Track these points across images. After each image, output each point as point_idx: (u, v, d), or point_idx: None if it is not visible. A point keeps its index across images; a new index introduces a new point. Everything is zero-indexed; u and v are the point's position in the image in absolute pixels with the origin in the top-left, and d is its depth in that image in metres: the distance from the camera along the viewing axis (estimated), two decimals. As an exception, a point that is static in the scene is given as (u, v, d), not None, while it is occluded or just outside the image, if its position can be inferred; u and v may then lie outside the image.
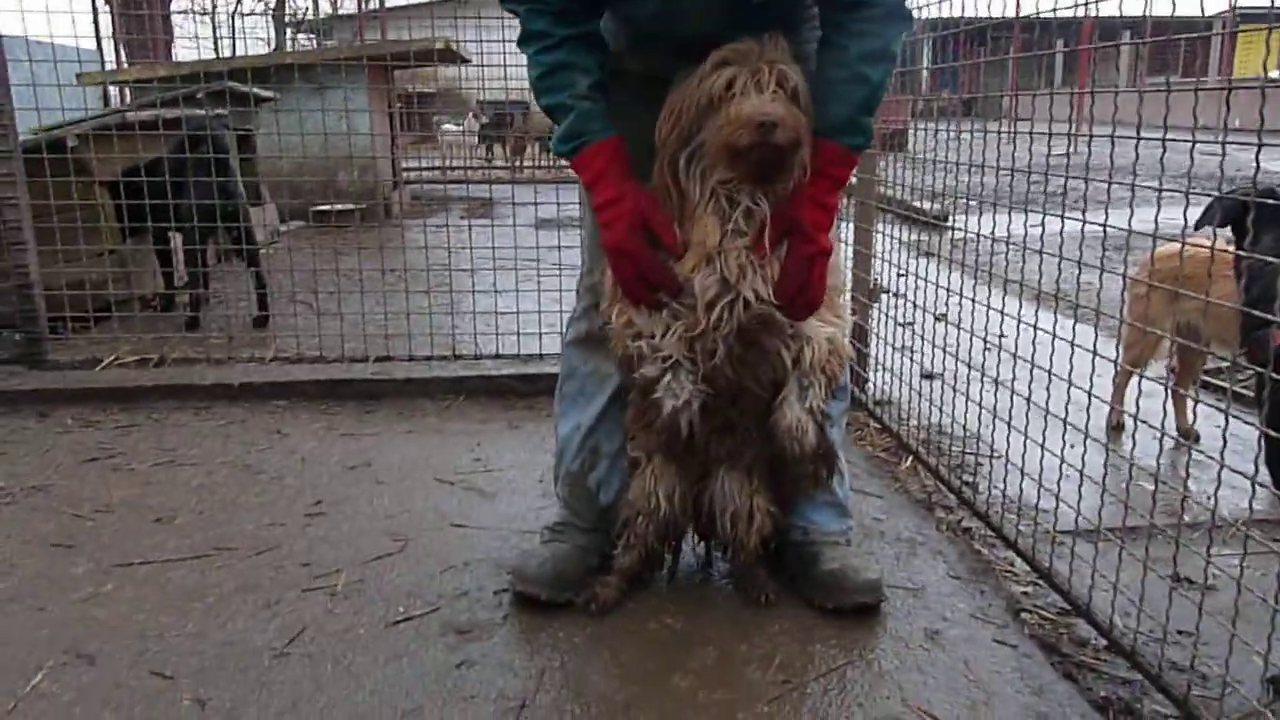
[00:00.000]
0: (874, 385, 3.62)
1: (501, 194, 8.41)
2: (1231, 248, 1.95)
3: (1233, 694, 1.74)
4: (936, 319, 3.09)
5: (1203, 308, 1.86)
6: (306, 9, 23.95)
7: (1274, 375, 1.58)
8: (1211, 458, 1.70)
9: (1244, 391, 3.42)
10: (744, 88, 1.80)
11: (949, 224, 5.71)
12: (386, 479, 2.96)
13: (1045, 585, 2.30)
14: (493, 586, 2.28)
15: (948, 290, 2.92)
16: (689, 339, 1.91)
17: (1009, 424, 2.47)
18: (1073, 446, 2.30)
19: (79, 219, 4.17)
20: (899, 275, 3.50)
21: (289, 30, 22.92)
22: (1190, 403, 3.32)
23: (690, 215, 1.90)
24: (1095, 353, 2.16)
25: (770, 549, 2.21)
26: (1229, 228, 1.88)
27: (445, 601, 2.22)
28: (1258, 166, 1.69)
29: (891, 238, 3.54)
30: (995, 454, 2.86)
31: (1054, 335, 2.26)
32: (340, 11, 21.66)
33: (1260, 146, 1.63)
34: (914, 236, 4.01)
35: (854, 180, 3.50)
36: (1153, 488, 1.97)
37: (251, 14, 23.38)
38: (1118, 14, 2.20)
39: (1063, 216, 2.28)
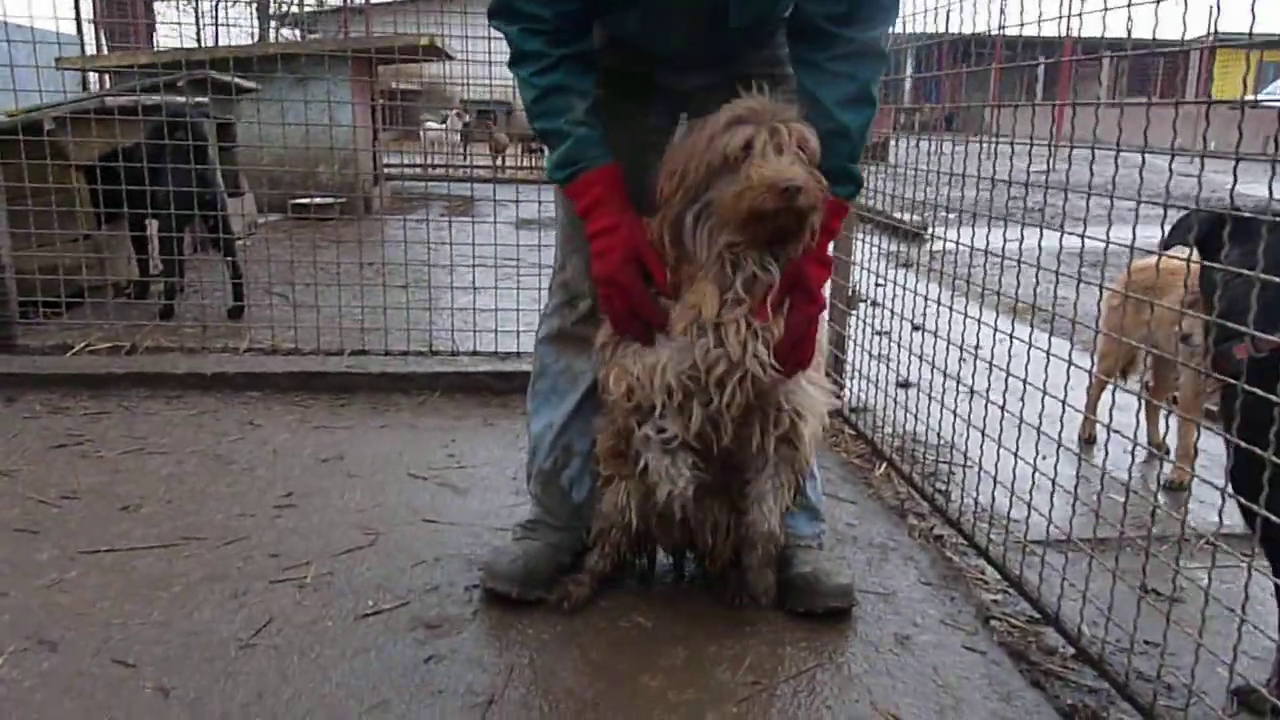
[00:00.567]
0: (850, 392, 3.64)
1: (483, 192, 8.39)
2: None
3: (1198, 704, 1.75)
4: (914, 329, 3.10)
5: (1168, 320, 1.88)
6: (291, 2, 23.83)
7: (1245, 387, 1.59)
8: (1181, 467, 1.71)
9: (1212, 407, 3.47)
10: (764, 150, 1.75)
11: (928, 235, 5.76)
12: (359, 473, 2.94)
13: (1015, 593, 2.31)
14: (464, 582, 2.26)
15: (925, 299, 2.93)
16: (698, 419, 1.89)
17: (983, 433, 2.49)
18: (1045, 457, 2.31)
19: (54, 203, 4.12)
20: (877, 284, 3.52)
21: (273, 23, 22.77)
22: (1163, 415, 3.35)
23: (689, 275, 1.85)
24: (1070, 363, 2.17)
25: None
26: (1197, 248, 1.90)
27: (415, 596, 2.20)
28: (1235, 180, 1.71)
29: (871, 246, 3.56)
30: (968, 463, 2.88)
31: (1029, 345, 2.28)
32: (325, 6, 21.51)
33: (1238, 161, 1.65)
34: (893, 247, 4.03)
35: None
36: (1123, 499, 1.99)
37: (236, 3, 23.25)
38: (1100, 34, 2.23)
39: (1041, 231, 2.30)
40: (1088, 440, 3.44)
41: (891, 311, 3.24)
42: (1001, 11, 2.63)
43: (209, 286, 4.88)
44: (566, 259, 2.21)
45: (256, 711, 1.77)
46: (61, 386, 3.64)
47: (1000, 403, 2.39)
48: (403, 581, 2.27)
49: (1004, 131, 2.73)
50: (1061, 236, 2.26)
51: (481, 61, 5.06)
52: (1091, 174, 2.09)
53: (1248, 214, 1.70)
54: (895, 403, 3.21)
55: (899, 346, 3.19)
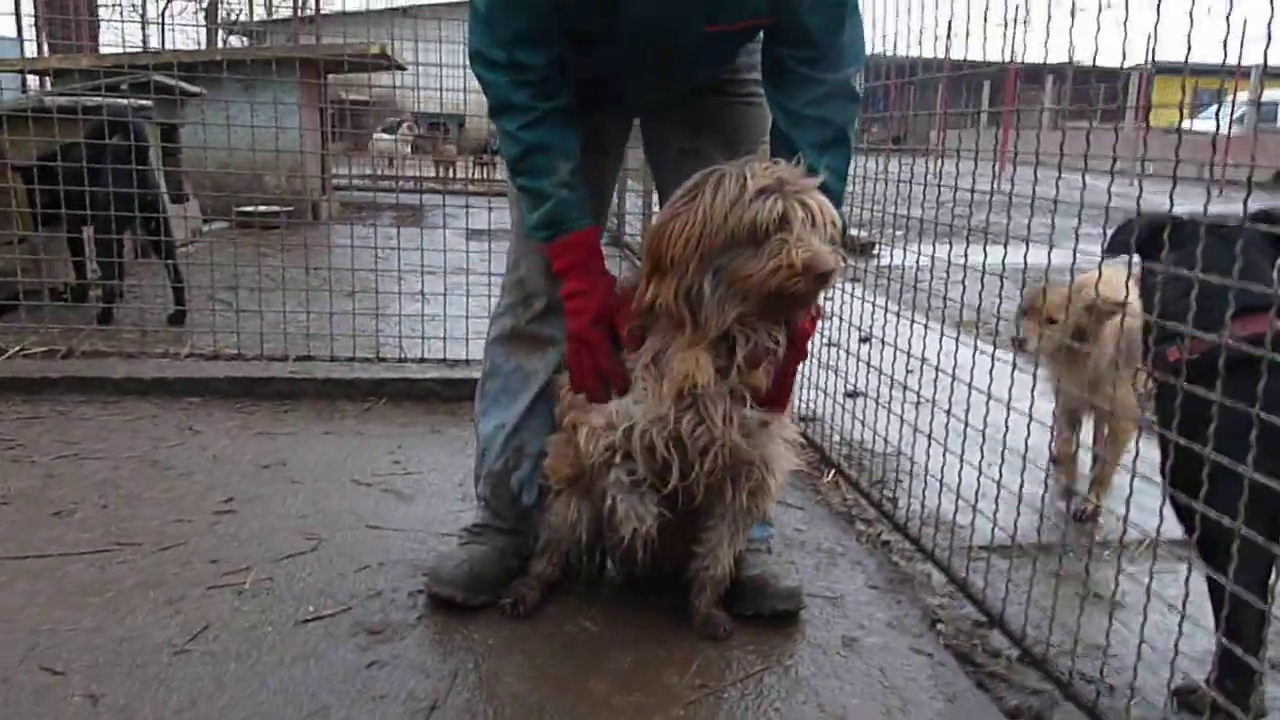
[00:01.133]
0: (799, 401, 3.65)
1: (432, 202, 8.33)
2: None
3: (1140, 704, 1.77)
4: (862, 340, 3.13)
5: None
6: (240, 10, 23.57)
7: (1183, 386, 1.62)
8: (1123, 467, 1.73)
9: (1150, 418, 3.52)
10: (801, 230, 1.71)
11: (875, 252, 5.82)
12: (301, 479, 2.88)
13: (961, 597, 2.33)
14: (407, 588, 2.22)
15: (874, 307, 2.96)
16: (675, 479, 1.89)
17: (929, 438, 2.51)
18: (991, 464, 2.34)
19: (-12, 204, 4.02)
20: (826, 297, 3.54)
21: (221, 31, 22.49)
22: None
23: (691, 341, 1.81)
24: (1015, 367, 2.20)
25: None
26: (1138, 253, 1.93)
27: (357, 602, 2.16)
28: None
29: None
30: (915, 470, 2.90)
31: (974, 351, 2.30)
32: (275, 16, 21.30)
33: (1175, 182, 1.69)
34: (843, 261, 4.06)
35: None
36: (1066, 504, 2.01)
37: (184, 11, 22.93)
38: (1042, 61, 2.27)
39: (985, 248, 2.34)
40: (1055, 460, 3.42)
41: (841, 319, 3.27)
42: (948, 36, 2.68)
43: (149, 291, 4.78)
44: (521, 259, 2.19)
45: (189, 719, 1.72)
46: (-7, 391, 3.53)
47: (946, 409, 2.41)
48: (345, 587, 2.22)
49: (950, 151, 2.77)
50: (1004, 258, 2.29)
51: (434, 73, 5.03)
52: (1034, 196, 2.14)
53: (1185, 218, 1.73)
54: (844, 410, 3.23)
55: (848, 353, 3.21)
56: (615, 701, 1.82)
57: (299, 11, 15.80)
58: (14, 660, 1.87)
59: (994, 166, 2.74)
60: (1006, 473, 2.20)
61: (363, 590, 2.21)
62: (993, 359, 2.22)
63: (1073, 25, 2.01)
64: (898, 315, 2.75)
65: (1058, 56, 2.21)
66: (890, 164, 3.22)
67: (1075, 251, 1.97)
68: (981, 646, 2.15)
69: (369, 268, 4.30)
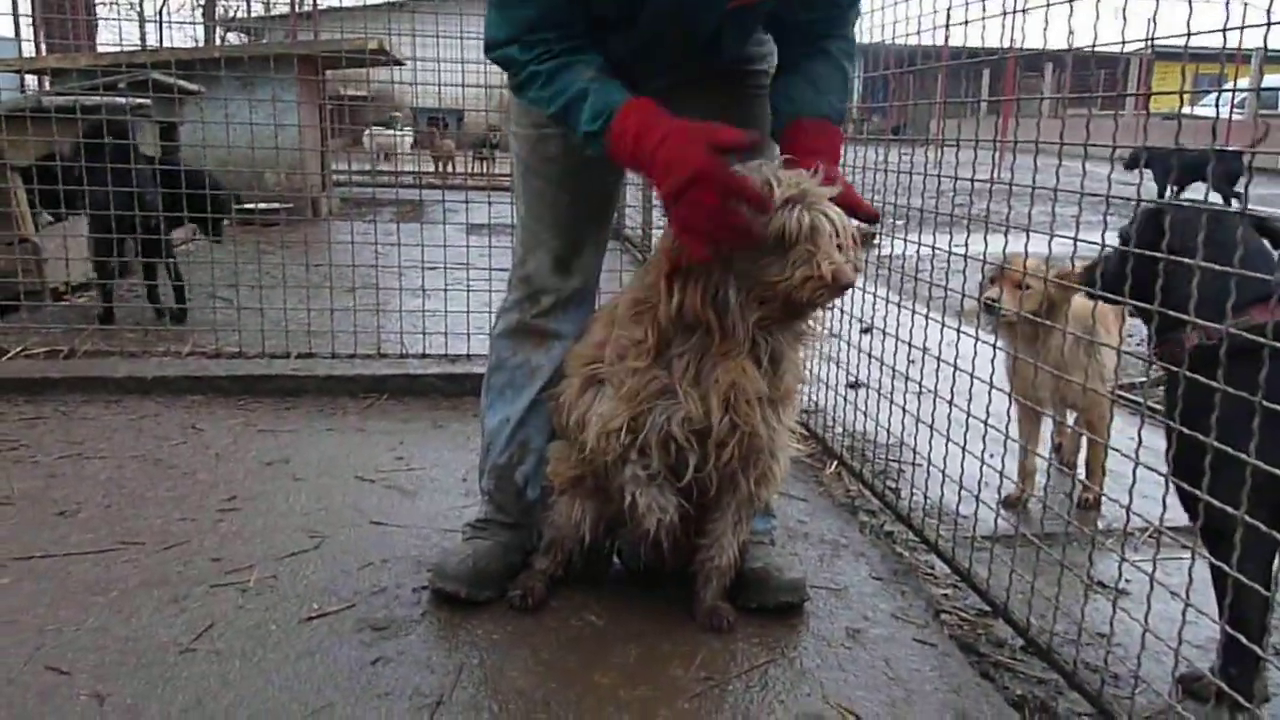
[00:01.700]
0: (802, 393, 3.64)
1: (432, 198, 8.33)
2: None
3: (1144, 691, 1.77)
4: (863, 331, 3.13)
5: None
6: (238, 8, 23.54)
7: (1187, 374, 1.62)
8: (1127, 456, 1.73)
9: (1156, 407, 3.52)
10: (830, 242, 1.72)
11: (876, 242, 5.81)
12: (304, 476, 2.88)
13: (965, 587, 2.33)
14: (411, 584, 2.22)
15: (875, 298, 2.95)
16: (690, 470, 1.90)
17: (931, 429, 2.50)
18: (993, 454, 2.34)
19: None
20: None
21: (219, 29, 22.46)
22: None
23: (726, 349, 1.82)
24: (1015, 357, 2.19)
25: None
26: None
27: (361, 598, 2.16)
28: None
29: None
30: (918, 460, 2.90)
31: (976, 340, 2.30)
32: (273, 12, 21.25)
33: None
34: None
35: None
36: (1070, 492, 2.01)
37: (181, 9, 22.90)
38: (1041, 49, 2.27)
39: (985, 237, 2.33)
40: (1057, 449, 3.44)
41: (842, 312, 3.26)
42: (947, 26, 2.67)
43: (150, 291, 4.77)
44: (529, 254, 2.18)
45: (195, 717, 1.72)
46: (-5, 392, 3.53)
47: (948, 400, 2.41)
48: (349, 584, 2.22)
49: (950, 139, 2.77)
50: (1005, 247, 2.29)
51: (432, 68, 5.02)
52: (1034, 182, 2.13)
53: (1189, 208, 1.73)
54: (846, 402, 3.22)
55: (849, 345, 3.21)
56: (621, 695, 1.82)
57: (296, 7, 15.79)
58: (20, 660, 1.87)
59: (994, 155, 2.73)
60: (1009, 462, 2.20)
61: (367, 587, 2.21)
62: (994, 348, 2.21)
63: (1071, 12, 2.01)
64: (899, 306, 2.75)
65: (1057, 43, 2.20)
66: (890, 154, 3.21)
67: (1075, 240, 1.96)
68: (986, 636, 2.15)
69: (369, 264, 4.30)
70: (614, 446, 1.90)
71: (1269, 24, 1.48)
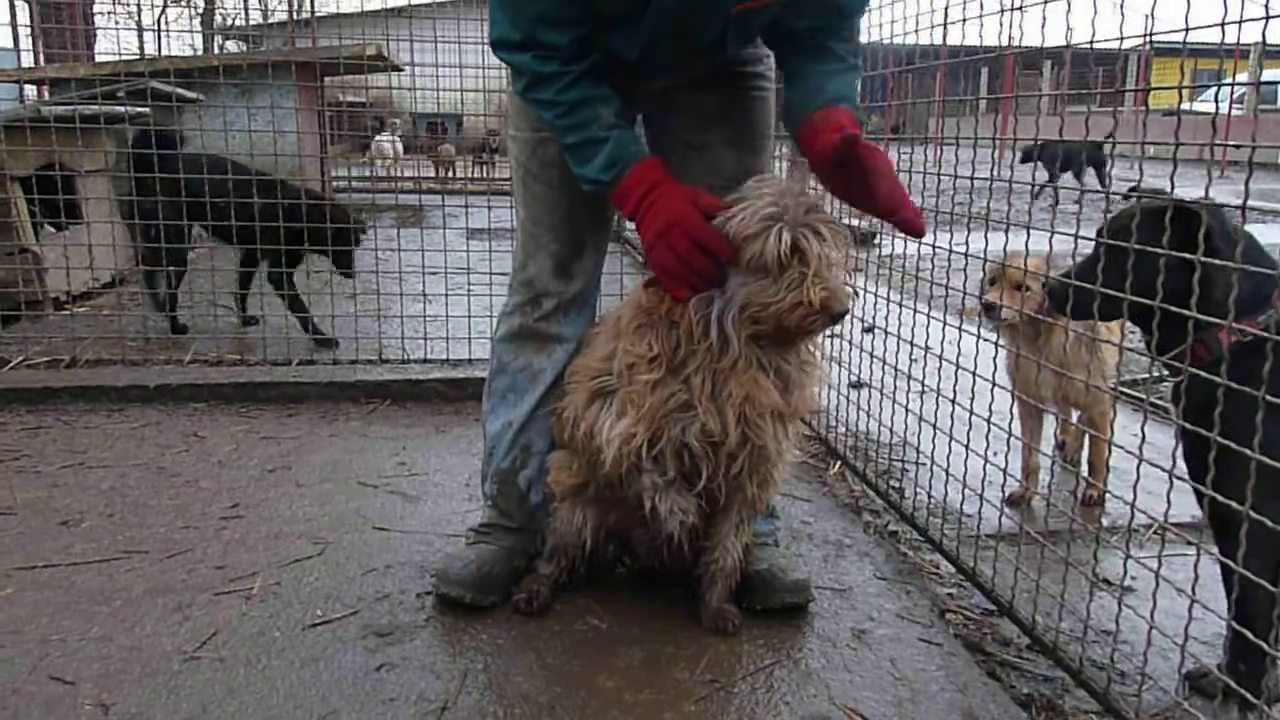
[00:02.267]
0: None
1: (432, 203, 8.33)
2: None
3: (1151, 689, 1.77)
4: (865, 330, 3.12)
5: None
6: (236, 15, 23.52)
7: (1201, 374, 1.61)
8: (1131, 453, 1.73)
9: (1159, 403, 3.52)
10: (820, 266, 1.71)
11: (876, 241, 5.81)
12: (307, 482, 2.88)
13: (970, 586, 2.32)
14: (415, 589, 2.22)
15: (875, 297, 2.95)
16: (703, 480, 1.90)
17: (935, 428, 2.50)
18: (997, 453, 2.33)
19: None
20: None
21: (217, 37, 22.47)
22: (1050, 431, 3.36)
23: (729, 368, 1.81)
24: (1019, 355, 2.19)
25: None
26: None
27: (365, 604, 2.15)
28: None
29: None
30: (921, 460, 2.89)
31: (978, 338, 2.29)
32: (271, 19, 21.27)
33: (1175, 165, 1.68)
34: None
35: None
36: (1075, 489, 2.00)
37: (179, 18, 22.91)
38: (1039, 46, 2.26)
39: (986, 235, 2.33)
40: (1060, 446, 3.44)
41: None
42: (944, 24, 2.67)
43: (150, 298, 4.77)
44: (529, 258, 2.18)
45: (201, 725, 1.72)
46: (-3, 402, 3.53)
47: (951, 399, 2.41)
48: (352, 590, 2.22)
49: (948, 137, 2.76)
50: (1006, 245, 2.29)
51: (430, 73, 5.02)
52: (1034, 180, 2.12)
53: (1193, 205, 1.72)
54: (849, 402, 3.22)
55: (850, 344, 3.21)
56: (626, 698, 1.82)
57: (295, 14, 15.81)
58: (24, 670, 1.87)
59: (993, 153, 2.72)
60: (1012, 460, 2.20)
61: (370, 593, 2.21)
62: (996, 346, 2.21)
63: (1069, 9, 2.00)
64: (900, 305, 2.75)
65: (1055, 41, 2.20)
66: (890, 153, 3.20)
67: (1076, 237, 1.95)
68: (991, 635, 2.15)
69: (370, 269, 4.30)
70: (628, 455, 1.90)
71: (1267, 18, 1.48)
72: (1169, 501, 1.66)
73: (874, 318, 2.98)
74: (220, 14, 23.49)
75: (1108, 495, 2.73)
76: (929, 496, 2.71)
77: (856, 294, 1.80)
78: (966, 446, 2.33)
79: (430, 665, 1.92)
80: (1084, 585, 2.07)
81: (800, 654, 1.99)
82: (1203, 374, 1.63)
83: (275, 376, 3.77)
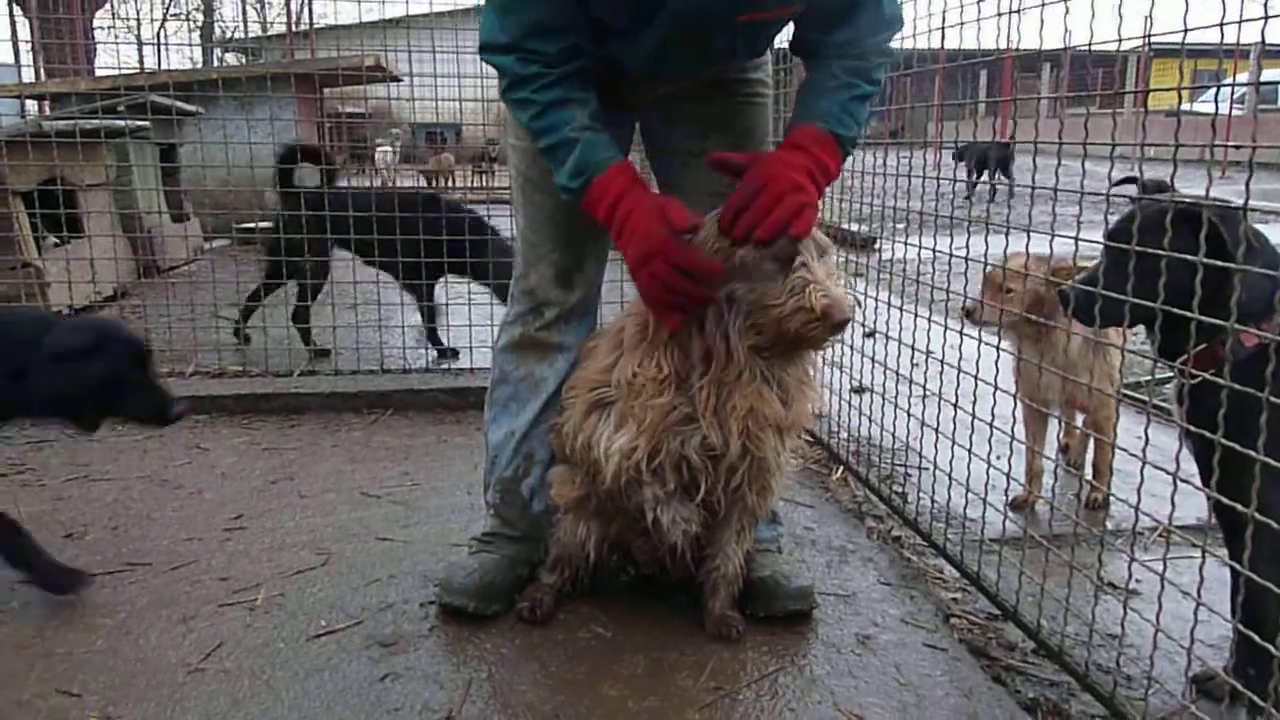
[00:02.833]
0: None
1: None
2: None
3: (1157, 693, 1.76)
4: (866, 335, 3.12)
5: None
6: (235, 28, 23.62)
7: (1214, 380, 1.60)
8: (1135, 455, 1.72)
9: (1162, 406, 3.51)
10: (821, 270, 1.71)
11: (876, 246, 5.81)
12: (309, 493, 2.88)
13: (974, 591, 2.32)
14: (419, 599, 2.22)
15: (876, 302, 2.95)
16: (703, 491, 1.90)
17: (937, 432, 2.50)
18: (1000, 457, 2.32)
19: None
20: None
21: (217, 50, 22.54)
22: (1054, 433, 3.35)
23: (734, 380, 1.81)
24: (1021, 358, 2.19)
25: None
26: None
27: (369, 615, 2.15)
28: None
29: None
30: (924, 464, 2.89)
31: (979, 342, 2.29)
32: (270, 31, 21.33)
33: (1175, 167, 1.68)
34: (843, 257, 4.05)
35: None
36: (1079, 492, 2.00)
37: (178, 31, 22.98)
38: (1038, 48, 2.26)
39: (986, 239, 2.33)
40: (1063, 450, 3.44)
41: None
42: (942, 28, 2.67)
43: (153, 312, 4.78)
44: (530, 268, 2.18)
45: (206, 737, 1.72)
46: (0, 416, 3.53)
47: (953, 403, 2.41)
48: (356, 601, 2.22)
49: (948, 141, 2.77)
50: (1006, 247, 2.29)
51: (429, 83, 5.02)
52: (1034, 185, 2.13)
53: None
54: (851, 407, 3.22)
55: (852, 349, 3.21)
56: (631, 706, 1.82)
57: (293, 27, 15.85)
58: (30, 683, 1.87)
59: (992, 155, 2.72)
60: (1016, 464, 2.19)
61: (374, 603, 2.20)
62: (998, 350, 2.21)
63: (1067, 11, 2.01)
64: (901, 309, 2.75)
65: (1054, 43, 2.20)
66: (889, 158, 3.21)
67: (1077, 239, 1.96)
68: (996, 640, 2.14)
69: (371, 279, 4.31)
70: (627, 469, 1.89)
71: (1266, 18, 1.48)
72: (1173, 504, 1.66)
73: (874, 322, 2.98)
74: (219, 27, 23.57)
75: (1111, 498, 2.73)
76: (932, 501, 2.71)
77: (859, 302, 1.79)
78: (969, 451, 2.33)
79: (434, 675, 1.92)
80: (1089, 589, 2.07)
81: (804, 660, 1.99)
82: (1219, 381, 1.61)
83: (277, 388, 3.78)
